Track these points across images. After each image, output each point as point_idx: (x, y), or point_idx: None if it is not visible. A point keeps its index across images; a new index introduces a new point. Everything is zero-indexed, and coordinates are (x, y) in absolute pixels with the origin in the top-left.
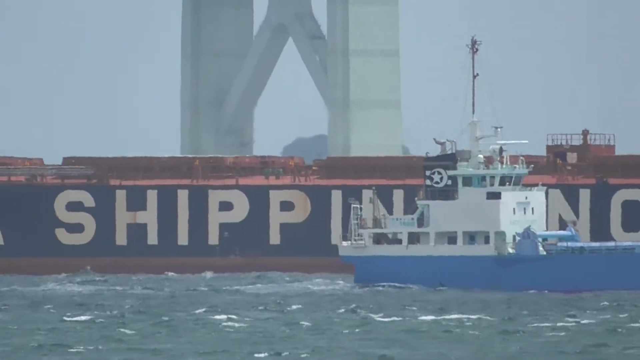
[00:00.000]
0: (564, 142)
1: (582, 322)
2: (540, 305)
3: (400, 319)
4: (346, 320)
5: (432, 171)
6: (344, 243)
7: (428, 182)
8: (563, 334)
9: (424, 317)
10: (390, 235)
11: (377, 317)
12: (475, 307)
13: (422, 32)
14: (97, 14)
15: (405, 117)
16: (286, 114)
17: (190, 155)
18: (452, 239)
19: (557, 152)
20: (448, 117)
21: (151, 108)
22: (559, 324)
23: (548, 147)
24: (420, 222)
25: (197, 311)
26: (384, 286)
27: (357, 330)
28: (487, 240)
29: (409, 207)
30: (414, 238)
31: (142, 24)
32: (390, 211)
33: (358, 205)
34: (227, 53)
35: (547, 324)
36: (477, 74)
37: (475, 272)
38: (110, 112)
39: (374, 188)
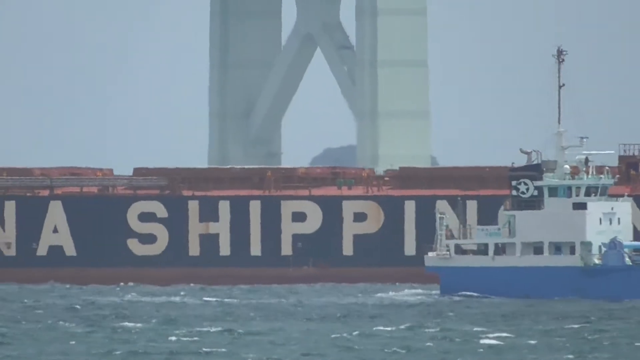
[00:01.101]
0: (636, 153)
1: None
2: None
3: None
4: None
5: (518, 181)
6: (430, 254)
7: (514, 192)
8: None
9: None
10: (475, 246)
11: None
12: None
13: (451, 42)
14: (126, 27)
15: (434, 127)
16: (314, 125)
17: (262, 166)
18: (538, 249)
19: (629, 162)
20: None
21: (179, 119)
22: None
23: (620, 157)
24: (507, 232)
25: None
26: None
27: None
28: (573, 251)
29: (482, 217)
30: (499, 249)
31: (170, 34)
32: (463, 221)
33: (444, 216)
34: (255, 63)
35: None
36: (563, 84)
37: (561, 283)
38: (140, 122)
39: (459, 198)
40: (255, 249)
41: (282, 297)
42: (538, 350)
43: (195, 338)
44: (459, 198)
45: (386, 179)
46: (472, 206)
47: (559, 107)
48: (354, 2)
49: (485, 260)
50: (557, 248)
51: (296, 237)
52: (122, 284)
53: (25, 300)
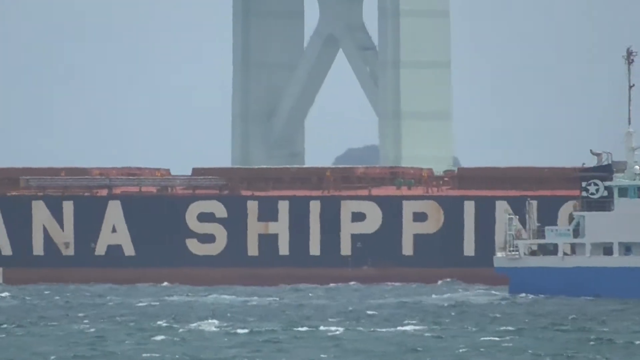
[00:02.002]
0: None
1: None
2: None
3: None
4: None
5: (588, 182)
6: (499, 254)
7: (584, 193)
8: None
9: None
10: (545, 247)
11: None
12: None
13: (473, 43)
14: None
15: (456, 128)
16: (337, 125)
17: (320, 166)
18: (608, 249)
19: None
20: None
21: (202, 119)
22: None
23: None
24: (576, 233)
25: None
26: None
27: None
28: None
29: (542, 218)
30: (569, 249)
31: (192, 35)
32: (523, 223)
33: (513, 216)
34: (277, 64)
35: None
36: (633, 85)
37: (631, 283)
38: (162, 122)
39: (528, 199)
40: (315, 249)
41: (363, 297)
42: None
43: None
44: (529, 199)
45: (445, 179)
46: (532, 206)
47: (629, 108)
48: (376, 3)
49: (555, 261)
50: (627, 249)
51: (355, 237)
52: (178, 284)
53: (110, 300)
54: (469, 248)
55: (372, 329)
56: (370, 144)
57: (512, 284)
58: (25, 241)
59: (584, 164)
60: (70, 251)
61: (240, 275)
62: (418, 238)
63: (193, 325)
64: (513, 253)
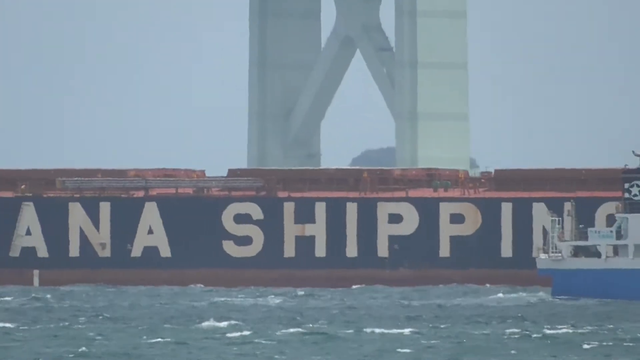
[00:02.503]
0: None
1: None
2: None
3: None
4: None
5: (631, 184)
6: (542, 256)
7: (627, 194)
8: None
9: None
10: (587, 248)
11: None
12: None
13: (491, 44)
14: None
15: (473, 129)
16: (353, 126)
17: (357, 167)
18: None
19: None
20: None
21: (219, 119)
22: None
23: None
24: (619, 234)
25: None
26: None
27: None
28: None
29: (580, 219)
30: (612, 250)
31: (209, 35)
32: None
33: (557, 218)
34: (294, 65)
35: None
36: None
37: None
38: (179, 123)
39: (572, 201)
40: (352, 251)
41: (407, 298)
42: None
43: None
44: (572, 200)
45: (482, 180)
46: (569, 208)
47: None
48: (393, 3)
49: (598, 263)
50: None
51: (392, 239)
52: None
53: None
54: (506, 250)
55: (484, 331)
56: (387, 145)
57: (555, 285)
58: (62, 243)
59: (626, 165)
60: (106, 252)
61: (276, 276)
62: (455, 240)
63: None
64: (556, 255)
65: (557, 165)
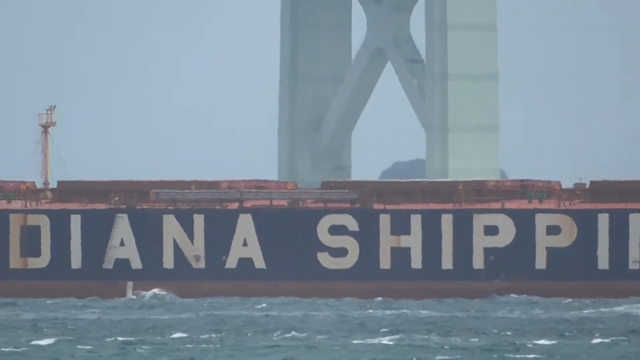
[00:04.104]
0: None
1: None
2: None
3: None
4: None
5: None
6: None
7: None
8: None
9: None
10: None
11: None
12: None
13: (521, 56)
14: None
15: (503, 140)
16: (384, 138)
17: (451, 179)
18: None
19: None
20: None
21: (249, 131)
22: None
23: None
24: None
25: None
26: None
27: None
28: None
29: None
30: None
31: (240, 47)
32: None
33: None
34: (324, 77)
35: None
36: None
37: None
38: (208, 134)
39: None
40: (447, 263)
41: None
42: None
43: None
44: None
45: (577, 192)
46: None
47: None
48: (424, 15)
49: None
50: None
51: (488, 251)
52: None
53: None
54: (602, 261)
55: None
56: (417, 157)
57: None
58: (156, 254)
59: None
60: (200, 264)
61: (372, 289)
62: (551, 251)
63: (417, 336)
64: None
65: (592, 178)
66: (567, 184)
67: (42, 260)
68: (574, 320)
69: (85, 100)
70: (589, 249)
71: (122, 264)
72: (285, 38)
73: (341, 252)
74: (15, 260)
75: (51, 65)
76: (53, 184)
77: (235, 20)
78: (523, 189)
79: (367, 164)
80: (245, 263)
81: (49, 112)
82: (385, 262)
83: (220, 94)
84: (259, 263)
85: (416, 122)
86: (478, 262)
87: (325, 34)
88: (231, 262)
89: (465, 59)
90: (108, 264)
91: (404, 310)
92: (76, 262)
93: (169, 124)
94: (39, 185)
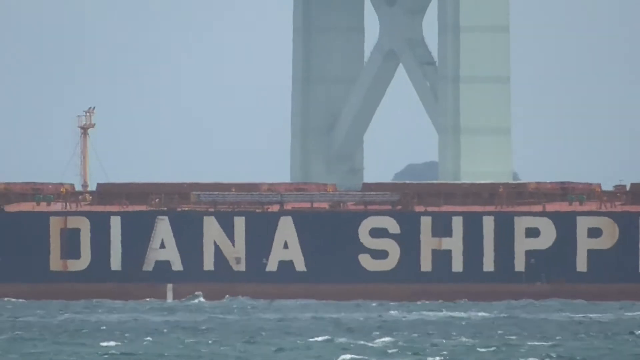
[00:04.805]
0: None
1: None
2: None
3: None
4: None
5: None
6: None
7: None
8: None
9: None
10: None
11: None
12: None
13: (534, 58)
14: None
15: (515, 143)
16: (397, 141)
17: (492, 182)
18: None
19: None
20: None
21: (261, 134)
22: None
23: None
24: None
25: None
26: None
27: None
28: None
29: None
30: None
31: (253, 50)
32: None
33: None
34: (337, 79)
35: None
36: None
37: None
38: (221, 137)
39: None
40: (488, 265)
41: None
42: None
43: None
44: None
45: (618, 194)
46: None
47: None
48: (436, 18)
49: None
50: None
51: (529, 253)
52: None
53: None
54: None
55: None
56: (430, 159)
57: None
58: (196, 257)
59: None
60: (241, 267)
61: (413, 291)
62: (592, 254)
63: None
64: None
65: (605, 180)
66: (605, 186)
67: (82, 263)
68: (617, 322)
69: (122, 102)
70: (631, 251)
71: (163, 266)
72: (298, 40)
73: (382, 254)
74: (55, 263)
75: (90, 67)
76: (91, 187)
77: (248, 23)
78: (563, 191)
79: (380, 166)
80: (286, 265)
81: (88, 114)
82: (426, 265)
83: (233, 96)
84: (300, 265)
85: (429, 124)
86: (519, 264)
87: (338, 36)
88: (272, 265)
89: (478, 62)
90: (148, 266)
91: (450, 313)
92: (116, 264)
93: (179, 126)
94: (78, 188)
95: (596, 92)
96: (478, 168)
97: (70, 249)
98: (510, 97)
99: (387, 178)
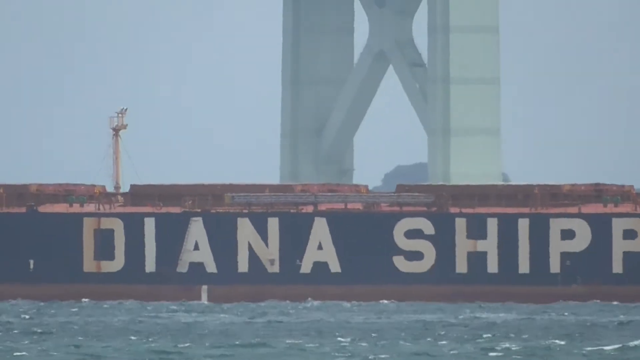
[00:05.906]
0: None
1: None
2: None
3: None
4: None
5: None
6: None
7: None
8: None
9: None
10: None
11: None
12: None
13: (523, 59)
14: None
15: (505, 144)
16: (386, 142)
17: (528, 183)
18: None
19: None
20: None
21: (250, 135)
22: None
23: None
24: None
25: None
26: None
27: None
28: None
29: None
30: None
31: (242, 51)
32: None
33: None
34: (327, 80)
35: None
36: None
37: None
38: (211, 139)
39: None
40: (524, 267)
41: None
42: None
43: None
44: None
45: None
46: None
47: None
48: (426, 19)
49: None
50: None
51: (564, 255)
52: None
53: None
54: None
55: None
56: (420, 161)
57: None
58: (230, 258)
59: None
60: (275, 268)
61: (448, 292)
62: (628, 256)
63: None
64: None
65: (592, 180)
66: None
67: (116, 264)
68: None
69: (154, 104)
70: None
71: (197, 268)
72: (287, 41)
73: (417, 255)
74: (89, 264)
75: (123, 68)
76: (124, 188)
77: (237, 24)
78: (597, 192)
79: (369, 167)
80: (320, 267)
81: (120, 115)
82: (461, 266)
83: (223, 96)
84: (334, 267)
85: (418, 125)
86: (555, 266)
87: (327, 38)
88: (306, 266)
89: (468, 63)
90: (182, 268)
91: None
92: (150, 265)
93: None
94: (110, 189)
95: (586, 92)
96: (468, 169)
97: (104, 250)
98: (500, 98)
99: (377, 179)
